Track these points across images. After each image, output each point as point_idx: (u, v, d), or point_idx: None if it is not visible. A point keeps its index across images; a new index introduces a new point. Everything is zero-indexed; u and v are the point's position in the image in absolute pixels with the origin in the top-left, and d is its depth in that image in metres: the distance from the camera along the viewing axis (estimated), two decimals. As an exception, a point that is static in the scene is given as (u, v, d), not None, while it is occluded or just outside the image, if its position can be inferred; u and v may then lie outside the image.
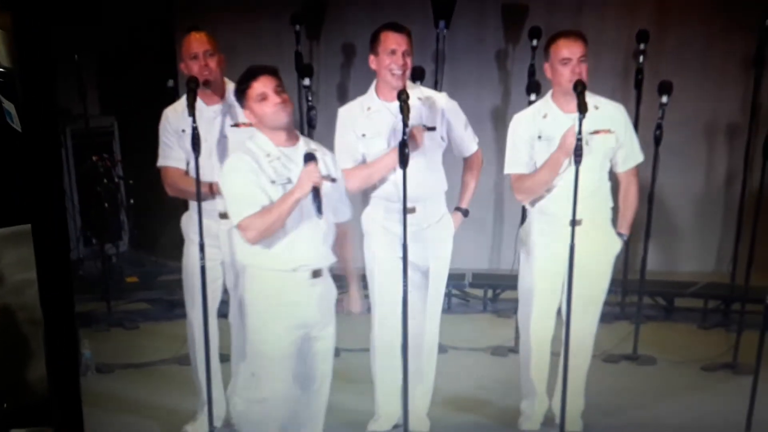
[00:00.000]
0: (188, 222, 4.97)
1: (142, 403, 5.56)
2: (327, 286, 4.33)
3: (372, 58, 4.77)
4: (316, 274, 4.22)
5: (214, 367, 5.00)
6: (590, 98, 4.66)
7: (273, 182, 4.06)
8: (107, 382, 5.83)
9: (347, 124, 4.90)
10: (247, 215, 4.04)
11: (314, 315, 4.28)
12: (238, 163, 4.12)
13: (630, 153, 4.92)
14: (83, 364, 5.67)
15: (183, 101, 4.83)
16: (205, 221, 4.78)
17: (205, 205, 4.78)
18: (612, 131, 4.79)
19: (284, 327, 4.22)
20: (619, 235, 4.94)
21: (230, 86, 4.87)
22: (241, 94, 4.15)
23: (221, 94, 4.88)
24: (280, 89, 4.09)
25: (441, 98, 4.91)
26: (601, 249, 4.85)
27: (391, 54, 4.68)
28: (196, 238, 4.73)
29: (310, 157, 4.04)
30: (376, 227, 4.92)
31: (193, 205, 4.88)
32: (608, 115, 4.81)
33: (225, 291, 5.06)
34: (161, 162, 4.95)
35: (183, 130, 4.76)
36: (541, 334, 5.04)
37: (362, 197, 5.04)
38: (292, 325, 4.23)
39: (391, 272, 4.79)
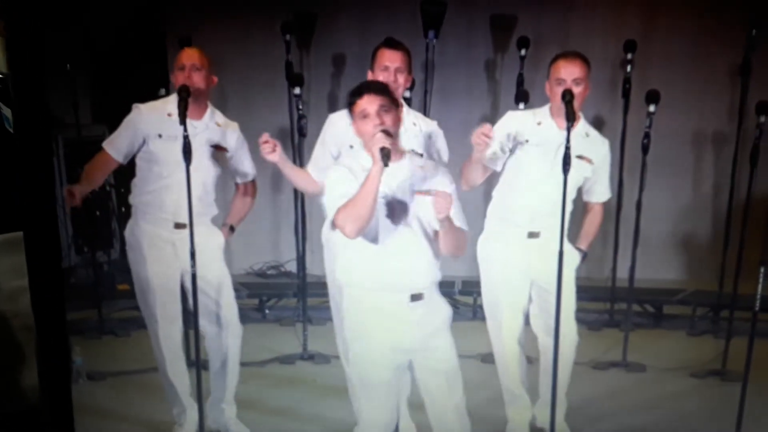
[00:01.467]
0: (134, 230, 4.99)
1: (132, 410, 5.56)
2: (432, 309, 4.06)
3: (369, 73, 4.80)
4: (415, 297, 3.98)
5: (182, 373, 5.09)
6: (583, 126, 4.84)
7: None
8: (98, 390, 5.84)
9: (334, 131, 4.89)
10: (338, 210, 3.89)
11: (413, 339, 4.04)
12: (334, 174, 4.02)
13: (603, 188, 5.05)
14: (75, 372, 5.68)
15: (161, 102, 4.92)
16: (155, 230, 4.88)
17: (156, 212, 4.86)
18: (593, 162, 4.88)
19: (380, 351, 4.04)
20: (578, 249, 5.00)
21: (211, 108, 4.94)
22: (348, 108, 4.03)
23: (202, 113, 4.89)
24: (385, 110, 3.90)
25: (432, 126, 4.92)
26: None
27: (384, 70, 4.71)
28: (152, 244, 4.84)
29: (383, 131, 3.84)
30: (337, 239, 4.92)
31: (137, 212, 4.95)
32: (595, 146, 4.91)
33: (184, 299, 5.07)
34: (106, 145, 4.93)
35: (160, 135, 4.79)
36: (512, 343, 5.07)
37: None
38: (388, 349, 4.03)
39: None
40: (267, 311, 7.30)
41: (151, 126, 4.84)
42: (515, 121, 4.98)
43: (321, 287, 7.61)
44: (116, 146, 4.91)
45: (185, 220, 4.66)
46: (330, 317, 7.19)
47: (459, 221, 4.02)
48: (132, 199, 5.00)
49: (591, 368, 6.15)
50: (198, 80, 4.78)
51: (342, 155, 4.78)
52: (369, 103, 3.89)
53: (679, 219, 8.23)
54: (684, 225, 8.26)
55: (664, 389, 5.98)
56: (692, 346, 6.77)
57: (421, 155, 4.67)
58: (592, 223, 5.09)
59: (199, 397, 4.88)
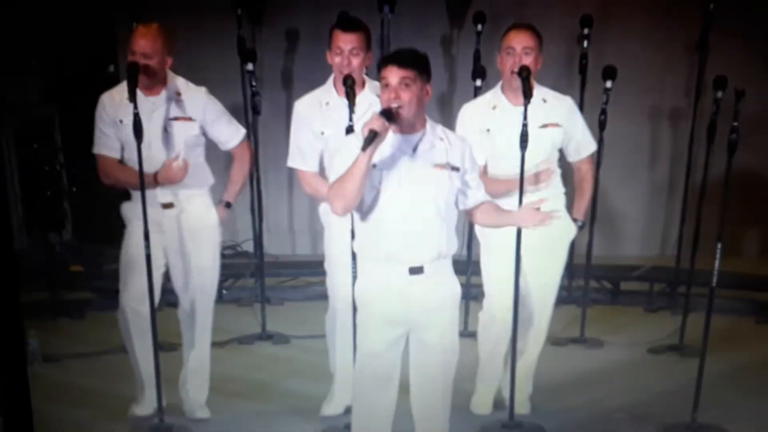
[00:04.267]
0: (129, 209, 4.95)
1: (89, 391, 5.57)
2: (434, 284, 4.03)
3: (328, 53, 4.77)
4: (415, 270, 3.97)
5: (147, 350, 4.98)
6: (538, 91, 4.75)
7: (374, 166, 3.88)
8: (55, 372, 5.81)
9: (304, 121, 4.87)
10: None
11: (410, 313, 4.03)
12: (345, 143, 4.03)
13: (582, 143, 5.01)
14: (30, 354, 5.62)
15: (120, 88, 4.81)
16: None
17: (146, 196, 4.74)
18: (560, 125, 4.87)
19: (376, 322, 4.05)
20: (575, 221, 5.02)
21: (170, 77, 4.86)
22: (377, 72, 3.99)
23: (161, 85, 4.82)
24: (406, 83, 3.84)
25: None
26: (556, 235, 4.86)
27: (339, 53, 4.70)
28: (139, 224, 4.70)
29: (383, 112, 3.82)
30: (334, 220, 4.89)
31: (135, 194, 4.85)
32: (556, 108, 4.88)
33: (167, 279, 5.06)
34: (96, 150, 4.92)
35: (121, 121, 4.74)
36: (506, 317, 4.98)
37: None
38: (385, 321, 4.04)
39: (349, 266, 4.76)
40: (224, 292, 7.17)
41: (114, 113, 4.80)
42: (469, 113, 4.96)
43: (278, 267, 7.62)
44: (105, 144, 4.89)
45: (171, 199, 4.77)
46: (288, 297, 7.22)
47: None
48: None
49: (550, 344, 5.96)
50: (151, 67, 4.70)
51: (316, 140, 4.82)
52: (392, 74, 3.85)
53: (636, 195, 8.30)
54: (641, 201, 8.33)
55: (623, 365, 6.03)
56: (650, 322, 6.81)
57: None
58: (581, 187, 5.06)
59: (157, 375, 4.87)
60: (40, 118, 7.51)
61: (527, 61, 4.68)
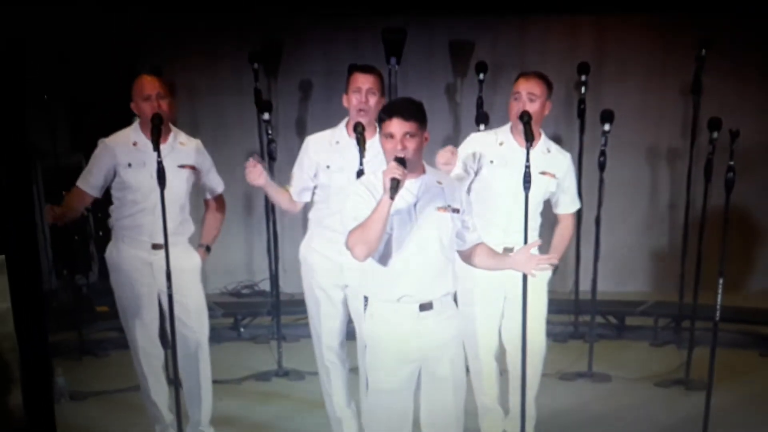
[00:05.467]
0: (115, 252, 5.12)
1: (114, 429, 5.65)
2: (442, 319, 4.15)
3: (344, 97, 4.94)
4: (424, 307, 4.10)
5: (163, 392, 5.21)
6: (544, 142, 4.99)
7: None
8: (80, 409, 5.89)
9: (312, 152, 5.03)
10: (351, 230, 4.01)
11: (422, 348, 4.13)
12: (354, 188, 4.15)
13: (570, 200, 5.18)
14: (57, 392, 5.76)
15: (122, 133, 5.05)
16: (133, 251, 5.00)
17: (134, 235, 4.99)
18: (556, 177, 5.02)
19: (390, 361, 4.15)
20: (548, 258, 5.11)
21: (174, 129, 5.08)
22: (378, 122, 4.12)
23: (165, 137, 4.97)
24: (410, 135, 3.98)
25: None
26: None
27: (356, 92, 4.87)
28: (129, 268, 4.97)
29: (398, 160, 3.91)
30: (315, 256, 5.08)
31: (117, 235, 5.08)
32: (557, 160, 5.05)
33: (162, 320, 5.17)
34: (80, 183, 5.08)
35: (129, 164, 4.94)
36: (489, 359, 5.20)
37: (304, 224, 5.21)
38: (398, 359, 4.14)
39: (333, 299, 5.05)
40: (242, 329, 7.37)
41: (119, 157, 4.98)
42: (478, 142, 5.11)
43: (294, 305, 7.72)
44: (89, 182, 5.07)
45: (162, 240, 4.80)
46: (303, 334, 7.32)
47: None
48: (111, 223, 5.14)
49: (558, 379, 6.24)
50: (165, 107, 4.91)
51: (319, 175, 4.98)
52: (396, 127, 3.98)
53: (637, 233, 8.37)
54: (643, 238, 8.39)
55: (630, 399, 6.07)
56: (656, 356, 6.87)
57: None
58: (562, 235, 5.18)
59: (178, 413, 4.98)
60: (68, 165, 7.68)
61: (532, 107, 4.84)
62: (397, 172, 3.86)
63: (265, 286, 8.00)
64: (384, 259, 4.07)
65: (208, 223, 5.36)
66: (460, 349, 4.27)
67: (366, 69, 4.93)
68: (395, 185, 3.84)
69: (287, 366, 6.61)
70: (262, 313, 7.49)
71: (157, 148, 4.62)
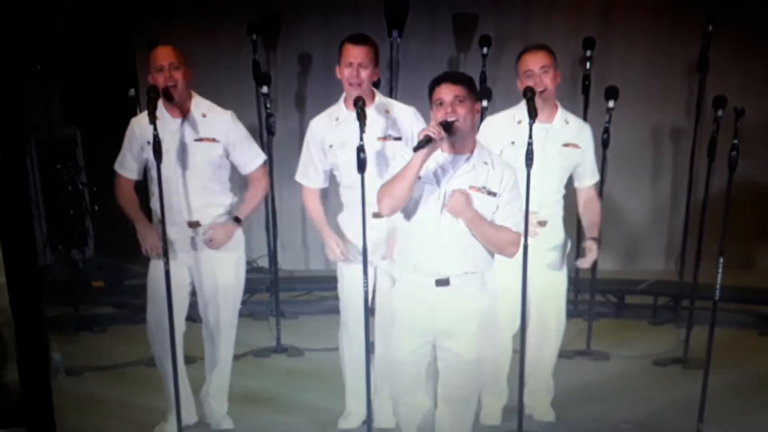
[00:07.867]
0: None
1: (111, 404, 5.62)
2: (460, 296, 4.17)
3: (337, 69, 4.88)
4: (441, 282, 4.12)
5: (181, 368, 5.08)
6: (562, 114, 4.98)
7: (419, 178, 4.02)
8: (77, 384, 5.88)
9: (315, 137, 4.98)
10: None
11: (435, 323, 4.17)
12: (399, 151, 4.21)
13: (592, 171, 5.16)
14: (53, 367, 5.70)
15: (145, 113, 4.86)
16: (173, 229, 4.89)
17: (173, 216, 4.88)
18: (579, 146, 5.01)
19: (404, 331, 4.23)
20: (593, 239, 5.12)
21: (195, 100, 4.97)
22: (428, 94, 4.11)
23: (186, 108, 4.92)
24: (459, 100, 4.00)
25: (409, 112, 4.98)
26: (559, 245, 5.07)
27: (348, 66, 4.80)
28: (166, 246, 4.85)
29: (442, 123, 3.95)
30: (345, 232, 5.03)
31: (155, 216, 4.96)
32: (578, 129, 5.04)
33: (193, 294, 5.15)
34: (116, 167, 5.07)
35: (148, 142, 4.79)
36: (508, 340, 5.18)
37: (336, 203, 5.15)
38: (411, 330, 4.21)
39: (360, 276, 4.88)
40: (240, 306, 7.28)
41: (142, 135, 4.91)
42: (494, 125, 5.05)
43: (292, 282, 7.71)
44: (123, 165, 5.05)
45: (198, 217, 4.91)
46: (302, 311, 7.28)
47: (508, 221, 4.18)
48: (151, 205, 5.07)
49: (557, 357, 6.18)
50: (178, 77, 4.83)
51: (327, 154, 4.94)
52: (445, 93, 3.99)
53: (639, 211, 8.34)
54: (645, 217, 8.36)
55: (629, 377, 6.08)
56: (655, 335, 6.86)
57: (399, 138, 4.85)
58: (594, 210, 5.17)
59: (176, 390, 4.91)
60: (63, 139, 7.67)
61: (547, 79, 4.82)
62: (432, 130, 3.88)
63: (264, 262, 7.94)
64: (406, 225, 4.12)
65: (246, 196, 5.20)
66: (479, 329, 4.24)
67: (357, 40, 4.84)
68: (425, 141, 3.86)
69: (285, 342, 6.59)
70: (260, 290, 7.42)
71: (153, 121, 4.56)
